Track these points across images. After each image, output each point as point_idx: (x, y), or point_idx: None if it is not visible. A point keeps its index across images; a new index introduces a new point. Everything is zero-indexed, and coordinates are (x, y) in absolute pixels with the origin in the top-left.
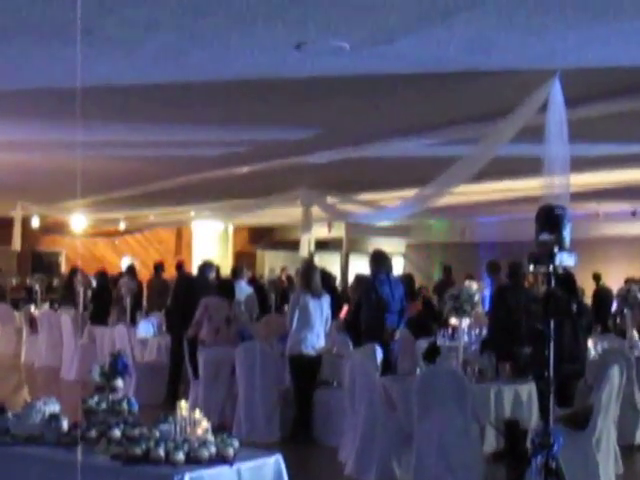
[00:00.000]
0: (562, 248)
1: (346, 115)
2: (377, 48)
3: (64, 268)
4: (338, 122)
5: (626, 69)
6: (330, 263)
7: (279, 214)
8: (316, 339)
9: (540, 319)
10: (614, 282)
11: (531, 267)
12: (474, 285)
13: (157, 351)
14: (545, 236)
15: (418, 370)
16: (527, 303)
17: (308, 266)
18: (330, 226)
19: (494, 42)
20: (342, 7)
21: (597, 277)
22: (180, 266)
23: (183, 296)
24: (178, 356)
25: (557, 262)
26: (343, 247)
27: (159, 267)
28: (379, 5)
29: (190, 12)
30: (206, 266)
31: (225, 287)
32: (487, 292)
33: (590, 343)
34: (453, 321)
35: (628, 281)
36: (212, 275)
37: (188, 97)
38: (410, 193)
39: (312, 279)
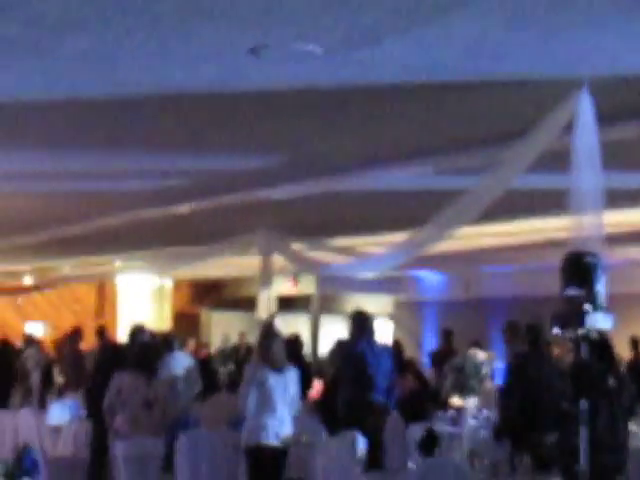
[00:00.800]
0: (595, 306)
1: (316, 137)
2: (356, 52)
3: None
4: (306, 146)
5: None
6: (296, 327)
7: (231, 265)
8: (279, 425)
9: (568, 398)
10: None
11: (555, 331)
12: (481, 354)
13: (74, 442)
14: (573, 291)
15: (411, 464)
16: (551, 377)
17: (267, 331)
18: (296, 280)
19: (503, 44)
20: (311, 2)
21: (636, 342)
22: (101, 332)
23: (108, 371)
24: (101, 448)
25: (589, 324)
26: (313, 306)
27: (75, 334)
28: (357, 0)
29: (117, 7)
30: (138, 331)
31: (143, 358)
32: (499, 363)
33: (633, 427)
34: (456, 401)
35: None
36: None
37: (113, 115)
38: (399, 237)
39: (272, 348)
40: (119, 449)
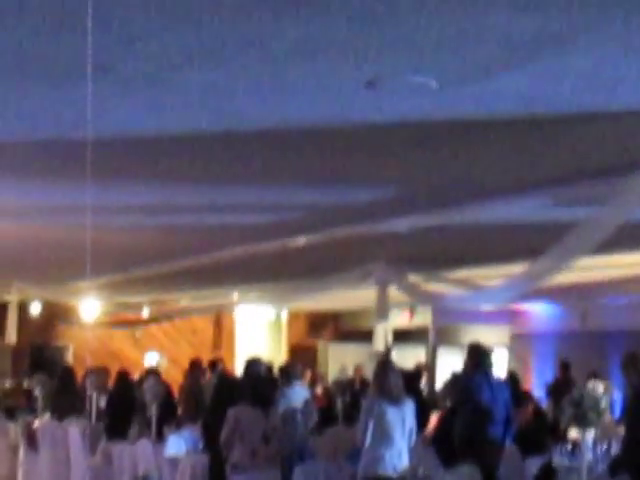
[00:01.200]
0: None
1: (432, 170)
2: (470, 86)
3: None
4: (421, 179)
5: None
6: (413, 359)
7: (347, 297)
8: (397, 457)
9: None
10: None
11: None
12: (600, 386)
13: (191, 474)
14: None
15: None
16: None
17: (384, 364)
18: (412, 312)
19: (618, 75)
20: (426, 35)
21: None
22: (214, 364)
23: (223, 404)
24: None
25: None
26: (429, 338)
27: (195, 366)
28: (474, 33)
29: (236, 42)
30: (254, 363)
31: (259, 392)
32: (617, 395)
33: None
34: (573, 434)
35: None
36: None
37: (230, 149)
38: (516, 269)
39: (388, 380)
40: None
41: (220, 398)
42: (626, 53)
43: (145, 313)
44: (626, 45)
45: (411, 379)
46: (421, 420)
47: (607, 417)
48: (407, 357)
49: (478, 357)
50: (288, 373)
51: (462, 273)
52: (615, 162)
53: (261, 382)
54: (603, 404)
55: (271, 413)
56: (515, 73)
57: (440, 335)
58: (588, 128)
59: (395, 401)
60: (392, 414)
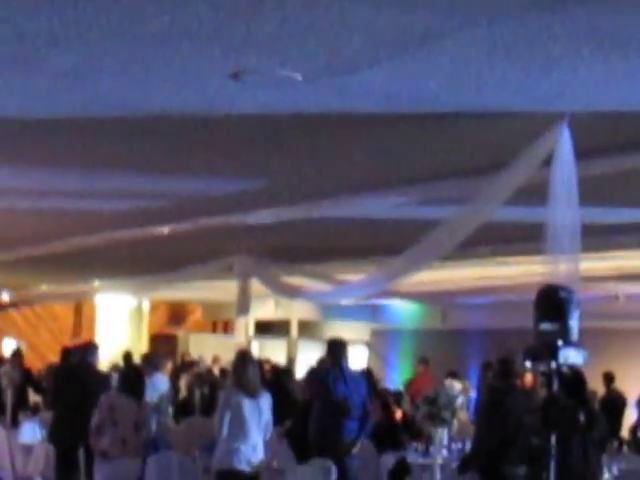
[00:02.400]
0: (568, 341)
1: (296, 164)
2: (336, 80)
3: None
4: (286, 172)
5: None
6: (275, 351)
7: (209, 288)
8: (252, 451)
9: (538, 432)
10: (633, 383)
11: (527, 364)
12: (457, 385)
13: (45, 462)
14: (546, 325)
15: None
16: (522, 411)
17: (242, 357)
18: (276, 304)
19: (484, 77)
20: (292, 29)
21: (609, 377)
22: (67, 353)
23: (67, 392)
24: (64, 473)
25: (561, 359)
26: (291, 332)
27: (67, 353)
28: (339, 28)
29: (100, 27)
30: (88, 349)
31: (133, 381)
32: (474, 393)
33: (604, 463)
34: (428, 431)
35: None
36: (95, 361)
37: (92, 134)
38: (378, 266)
39: (247, 373)
40: (101, 470)
41: (61, 386)
42: (490, 56)
43: (4, 298)
44: (490, 47)
45: (279, 373)
46: (285, 413)
47: (463, 415)
48: (268, 349)
49: (336, 351)
50: (150, 361)
51: (324, 268)
52: (476, 163)
53: (131, 371)
54: (458, 403)
55: (142, 402)
56: (380, 69)
57: (302, 329)
58: (452, 127)
59: (252, 394)
60: (249, 407)
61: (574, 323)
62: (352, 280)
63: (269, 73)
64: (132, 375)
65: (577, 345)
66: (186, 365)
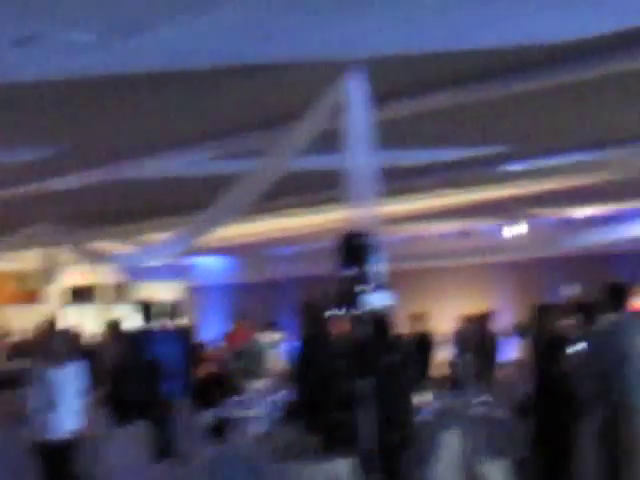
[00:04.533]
0: (372, 285)
1: (94, 127)
2: (128, 39)
3: None
4: (85, 136)
5: (441, 57)
6: (88, 317)
7: (19, 258)
8: (66, 420)
9: (349, 377)
10: (446, 322)
11: (333, 311)
12: (272, 336)
13: None
14: (349, 271)
15: (202, 451)
16: (334, 357)
17: (47, 327)
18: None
19: (272, 28)
20: None
21: (418, 318)
22: None
23: None
24: None
25: (365, 303)
26: (106, 296)
27: None
28: None
29: None
30: None
31: None
32: (292, 343)
33: (419, 401)
34: (246, 385)
35: (463, 320)
36: None
37: None
38: (184, 223)
39: (53, 343)
40: None
41: None
42: (277, 7)
43: None
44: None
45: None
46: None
47: (280, 366)
48: (82, 315)
49: (147, 312)
50: None
51: (129, 230)
52: (273, 114)
53: None
54: (272, 354)
55: None
56: (171, 27)
57: (117, 292)
58: (243, 82)
59: (59, 363)
60: (57, 376)
61: (377, 267)
62: (159, 240)
63: (61, 37)
64: None
65: (381, 289)
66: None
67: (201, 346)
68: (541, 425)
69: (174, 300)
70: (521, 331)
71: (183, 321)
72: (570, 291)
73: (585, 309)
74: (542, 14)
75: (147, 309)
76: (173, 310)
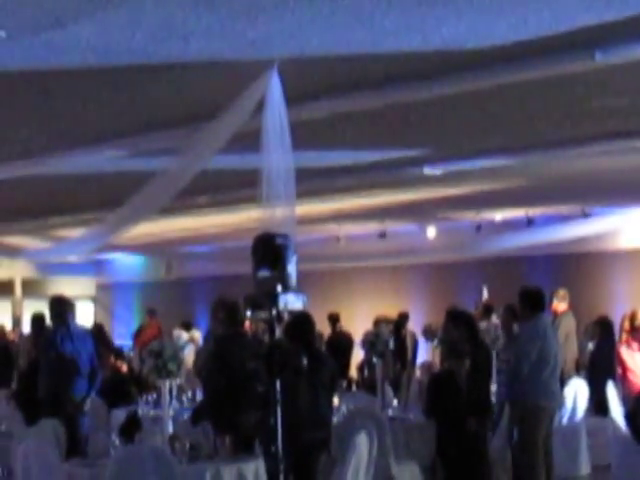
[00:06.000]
0: (287, 287)
1: (7, 122)
2: (42, 35)
3: None
4: (3, 131)
5: (361, 58)
6: (1, 312)
7: None
8: None
9: (263, 378)
10: (360, 323)
11: (248, 312)
12: (185, 335)
13: None
14: (264, 272)
15: (112, 450)
16: (248, 358)
17: None
18: None
19: (191, 26)
20: None
21: (334, 318)
22: None
23: None
24: None
25: (281, 305)
26: (15, 291)
27: None
28: None
29: None
30: None
31: None
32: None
33: (336, 402)
34: (157, 384)
35: (378, 322)
36: None
37: None
38: (98, 220)
39: None
40: None
41: None
42: (194, 4)
43: None
44: None
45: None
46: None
47: (192, 365)
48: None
49: (60, 309)
50: None
51: (43, 225)
52: (191, 112)
53: None
54: (186, 352)
55: None
56: (86, 23)
57: (26, 287)
58: (162, 80)
59: None
60: None
61: (292, 269)
62: (73, 236)
63: None
64: None
65: (296, 290)
66: None
67: (112, 344)
68: (447, 428)
69: (86, 296)
70: (429, 335)
71: (95, 318)
72: (478, 296)
73: (506, 312)
74: (463, 19)
75: (62, 305)
76: (85, 307)
